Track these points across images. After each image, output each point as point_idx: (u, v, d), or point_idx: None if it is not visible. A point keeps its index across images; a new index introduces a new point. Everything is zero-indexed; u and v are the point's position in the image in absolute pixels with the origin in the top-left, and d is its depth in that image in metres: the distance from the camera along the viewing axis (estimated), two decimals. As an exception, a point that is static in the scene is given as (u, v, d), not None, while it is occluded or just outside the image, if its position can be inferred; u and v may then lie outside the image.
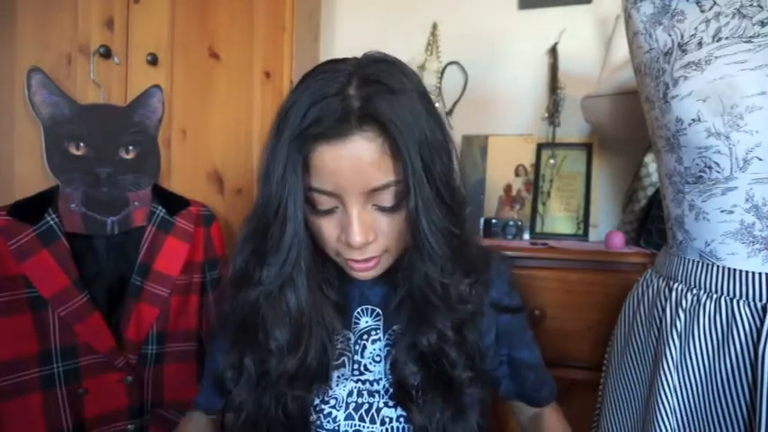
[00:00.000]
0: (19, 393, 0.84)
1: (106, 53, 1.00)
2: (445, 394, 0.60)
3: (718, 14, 0.59)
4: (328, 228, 0.57)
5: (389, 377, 0.64)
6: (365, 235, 0.55)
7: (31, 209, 0.88)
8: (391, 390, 0.63)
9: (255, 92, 1.13)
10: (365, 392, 0.64)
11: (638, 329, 0.70)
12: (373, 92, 0.52)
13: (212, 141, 1.12)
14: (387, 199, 0.55)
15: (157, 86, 1.03)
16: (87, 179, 0.94)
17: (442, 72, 1.45)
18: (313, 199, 0.55)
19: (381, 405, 0.63)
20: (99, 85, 0.99)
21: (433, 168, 0.54)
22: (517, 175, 1.37)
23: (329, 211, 0.56)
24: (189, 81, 1.10)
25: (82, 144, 0.94)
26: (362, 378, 0.64)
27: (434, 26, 1.45)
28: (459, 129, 1.43)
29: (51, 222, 0.88)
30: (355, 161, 0.51)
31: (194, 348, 1.01)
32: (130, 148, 0.98)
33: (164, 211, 0.99)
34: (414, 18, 1.47)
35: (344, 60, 0.56)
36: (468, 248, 0.61)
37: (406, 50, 1.42)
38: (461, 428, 0.61)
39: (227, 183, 1.14)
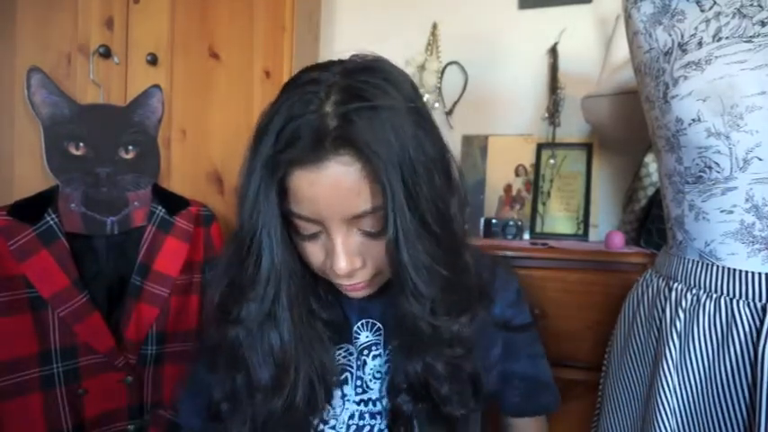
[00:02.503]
0: (19, 393, 0.84)
1: (106, 53, 1.00)
2: (440, 428, 0.57)
3: (718, 14, 0.59)
4: (314, 252, 0.54)
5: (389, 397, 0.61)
6: (351, 262, 0.51)
7: (31, 209, 0.88)
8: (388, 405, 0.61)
9: (255, 92, 1.13)
10: (366, 414, 0.61)
11: (638, 329, 0.70)
12: (352, 110, 0.46)
13: (212, 141, 1.12)
14: (371, 224, 0.50)
15: (157, 86, 1.03)
16: (87, 179, 0.94)
17: (442, 72, 1.45)
18: (295, 224, 0.52)
19: (383, 427, 0.61)
20: (99, 84, 0.99)
21: (419, 194, 0.48)
22: (517, 175, 1.37)
23: (313, 236, 0.53)
24: (189, 81, 1.10)
25: (82, 144, 0.94)
26: (364, 398, 0.62)
27: (434, 26, 1.45)
28: (459, 129, 1.43)
29: (51, 222, 0.88)
30: (333, 188, 0.47)
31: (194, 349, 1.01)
32: (130, 148, 0.98)
33: (163, 210, 0.99)
34: (414, 18, 1.47)
35: (329, 67, 0.51)
36: (466, 281, 0.56)
37: (406, 50, 1.42)
38: None
39: (227, 183, 1.14)
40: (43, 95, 0.91)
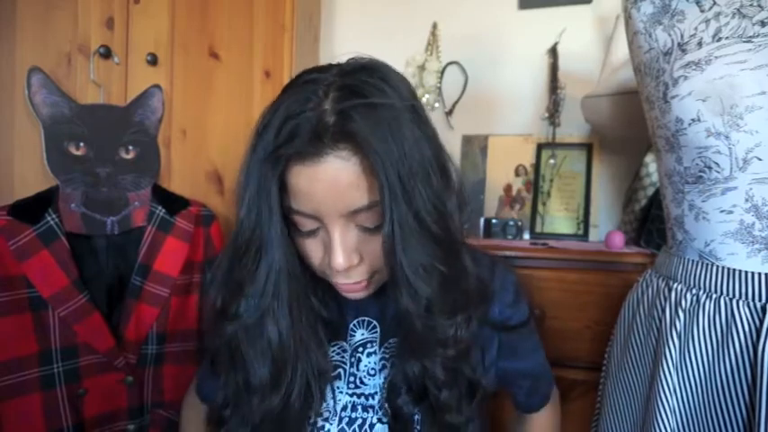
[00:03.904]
0: (19, 393, 0.84)
1: (106, 53, 1.00)
2: (443, 430, 0.57)
3: (718, 14, 0.59)
4: (312, 249, 0.54)
5: (384, 392, 0.61)
6: (348, 258, 0.51)
7: (31, 209, 0.88)
8: (386, 405, 0.60)
9: (255, 92, 1.13)
10: (359, 407, 0.62)
11: (638, 329, 0.70)
12: (350, 106, 0.47)
13: (212, 141, 1.12)
14: (369, 219, 0.51)
15: (157, 86, 1.03)
16: (87, 179, 0.94)
17: (442, 72, 1.45)
18: (294, 220, 0.53)
19: (375, 421, 0.61)
20: (99, 84, 0.99)
21: (415, 191, 0.48)
22: (517, 175, 1.37)
23: (312, 233, 0.53)
24: (189, 81, 1.10)
25: (82, 144, 0.94)
26: (357, 392, 0.62)
27: (434, 26, 1.45)
28: (459, 129, 1.43)
29: (51, 222, 0.88)
30: (331, 183, 0.48)
31: (194, 348, 1.01)
32: (130, 147, 0.98)
33: (164, 211, 0.99)
34: (414, 18, 1.47)
35: (328, 68, 0.52)
36: (463, 280, 0.56)
37: (406, 50, 1.42)
38: None
39: (227, 183, 1.14)
40: (43, 95, 0.91)
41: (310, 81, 0.50)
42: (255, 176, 0.50)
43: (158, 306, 0.96)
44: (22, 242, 0.85)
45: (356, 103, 0.48)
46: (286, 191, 0.51)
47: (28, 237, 0.85)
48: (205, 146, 1.12)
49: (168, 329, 0.98)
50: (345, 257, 0.51)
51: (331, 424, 0.61)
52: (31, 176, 0.94)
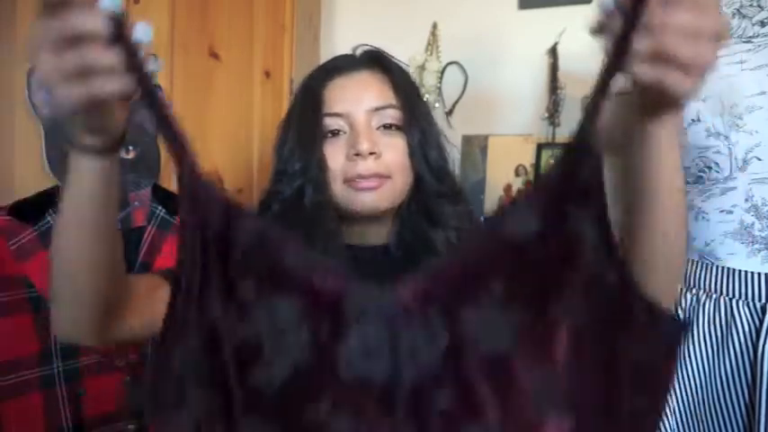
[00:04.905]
0: (19, 393, 0.84)
1: (106, 53, 1.00)
2: None
3: (717, 14, 0.59)
4: (335, 152, 0.60)
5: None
6: (372, 143, 0.58)
7: (32, 209, 0.88)
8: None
9: (255, 92, 1.13)
10: None
11: (638, 329, 0.70)
12: (380, 54, 0.65)
13: (212, 141, 1.12)
14: (388, 117, 0.60)
15: (158, 86, 1.03)
16: (87, 179, 0.94)
17: (442, 72, 1.45)
18: (325, 124, 0.61)
19: None
20: (99, 85, 0.99)
21: (426, 126, 0.63)
22: (517, 175, 1.37)
23: (336, 133, 0.61)
24: (189, 81, 1.10)
25: (82, 144, 0.94)
26: None
27: (434, 26, 1.45)
28: (459, 129, 1.43)
29: (52, 222, 0.88)
30: (362, 85, 0.61)
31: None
32: (130, 147, 0.98)
33: (164, 211, 0.99)
34: (414, 18, 1.47)
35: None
36: (461, 198, 0.66)
37: (406, 50, 1.42)
38: None
39: (228, 183, 1.14)
40: (44, 96, 0.91)
41: (334, 59, 0.67)
42: (301, 94, 0.64)
43: (158, 306, 0.95)
44: (23, 242, 0.85)
45: (384, 56, 0.65)
46: (321, 106, 0.61)
47: (28, 237, 0.85)
48: (205, 146, 1.12)
49: (168, 329, 0.98)
50: (369, 140, 0.58)
51: None
52: (31, 176, 0.94)
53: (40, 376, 0.86)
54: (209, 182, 0.39)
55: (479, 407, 0.35)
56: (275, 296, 0.37)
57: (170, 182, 1.08)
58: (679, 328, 0.42)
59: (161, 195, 1.01)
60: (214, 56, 1.12)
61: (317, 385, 0.37)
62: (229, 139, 1.13)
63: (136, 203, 0.98)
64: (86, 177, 0.41)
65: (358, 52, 0.67)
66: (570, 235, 0.36)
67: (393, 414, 0.36)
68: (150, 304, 0.50)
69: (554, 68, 1.36)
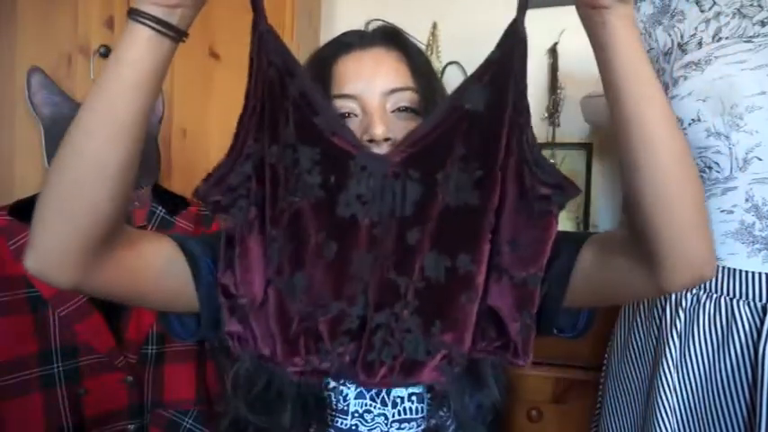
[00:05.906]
0: (19, 393, 0.84)
1: (106, 53, 1.00)
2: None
3: (718, 14, 0.59)
4: None
5: None
6: (386, 127, 0.53)
7: (32, 209, 0.88)
8: None
9: (255, 92, 1.13)
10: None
11: (638, 329, 0.70)
12: (396, 30, 0.60)
13: (212, 141, 1.12)
14: (404, 99, 0.56)
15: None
16: (87, 179, 0.94)
17: (442, 72, 1.45)
18: (337, 106, 0.56)
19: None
20: (99, 84, 0.99)
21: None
22: (517, 175, 1.37)
23: (347, 116, 0.56)
24: (189, 81, 1.10)
25: (82, 144, 0.94)
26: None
27: (434, 26, 1.45)
28: (459, 129, 1.43)
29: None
30: (375, 63, 0.56)
31: (194, 348, 1.01)
32: (130, 147, 0.98)
33: (164, 211, 0.99)
34: (414, 18, 1.46)
35: None
36: None
37: (406, 50, 1.42)
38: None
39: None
40: (44, 96, 0.91)
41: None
42: (309, 73, 0.56)
43: (158, 306, 0.95)
44: (23, 242, 0.84)
45: (400, 30, 0.61)
46: (331, 82, 0.56)
47: (28, 237, 0.85)
48: (205, 146, 1.12)
49: (168, 329, 0.98)
50: (383, 126, 0.54)
51: (349, 388, 0.59)
52: (31, 176, 0.94)
53: (41, 376, 0.86)
54: (275, 33, 0.51)
55: (440, 243, 0.49)
56: (302, 144, 0.48)
57: (170, 182, 1.08)
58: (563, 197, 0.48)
59: (161, 195, 1.01)
60: (214, 56, 1.12)
61: (318, 216, 0.49)
62: (229, 138, 1.12)
63: (136, 203, 0.98)
64: (137, 54, 0.42)
65: (371, 27, 0.61)
66: (508, 104, 0.48)
67: (374, 247, 0.49)
68: (135, 258, 0.49)
69: (554, 68, 1.36)
